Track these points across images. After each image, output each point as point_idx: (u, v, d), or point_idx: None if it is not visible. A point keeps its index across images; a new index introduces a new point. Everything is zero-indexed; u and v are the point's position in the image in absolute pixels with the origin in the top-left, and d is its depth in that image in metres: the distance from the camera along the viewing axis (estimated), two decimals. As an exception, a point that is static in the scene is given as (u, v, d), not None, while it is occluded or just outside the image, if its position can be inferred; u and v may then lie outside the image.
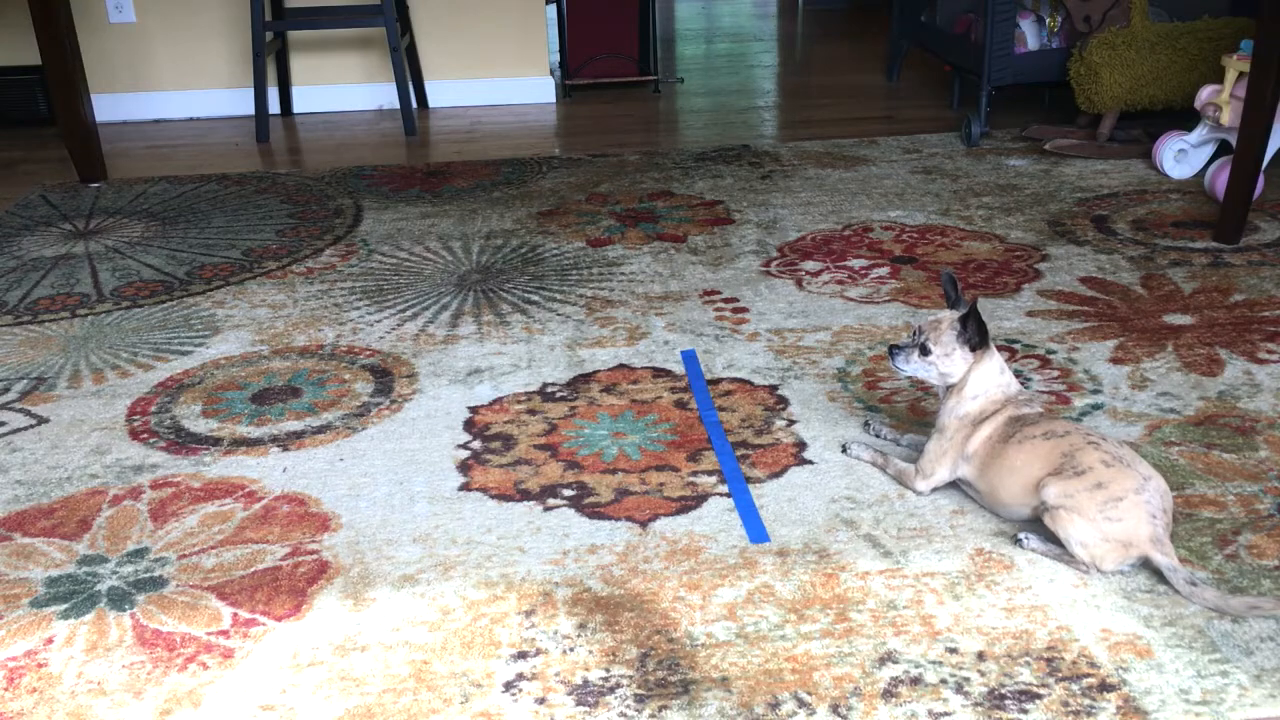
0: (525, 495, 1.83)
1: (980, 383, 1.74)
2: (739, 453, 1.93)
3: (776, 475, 1.86)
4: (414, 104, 4.18)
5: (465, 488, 1.86)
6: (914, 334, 1.76)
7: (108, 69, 4.25)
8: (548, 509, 1.79)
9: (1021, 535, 1.65)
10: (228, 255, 2.90)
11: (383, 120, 4.25)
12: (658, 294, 2.58)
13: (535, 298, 2.58)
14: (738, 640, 1.50)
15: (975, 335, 1.71)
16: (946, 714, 1.36)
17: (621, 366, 2.25)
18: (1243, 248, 2.70)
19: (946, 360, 1.73)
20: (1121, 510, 1.56)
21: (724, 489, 1.83)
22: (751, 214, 3.06)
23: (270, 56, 4.17)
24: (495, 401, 2.13)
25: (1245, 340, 2.24)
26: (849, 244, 2.82)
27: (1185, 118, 3.24)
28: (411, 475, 1.90)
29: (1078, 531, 1.58)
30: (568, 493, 1.83)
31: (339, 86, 4.36)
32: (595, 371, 2.23)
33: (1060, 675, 1.42)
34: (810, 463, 1.89)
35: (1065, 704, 1.37)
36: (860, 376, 2.17)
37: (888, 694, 1.40)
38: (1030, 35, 3.62)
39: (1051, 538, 1.63)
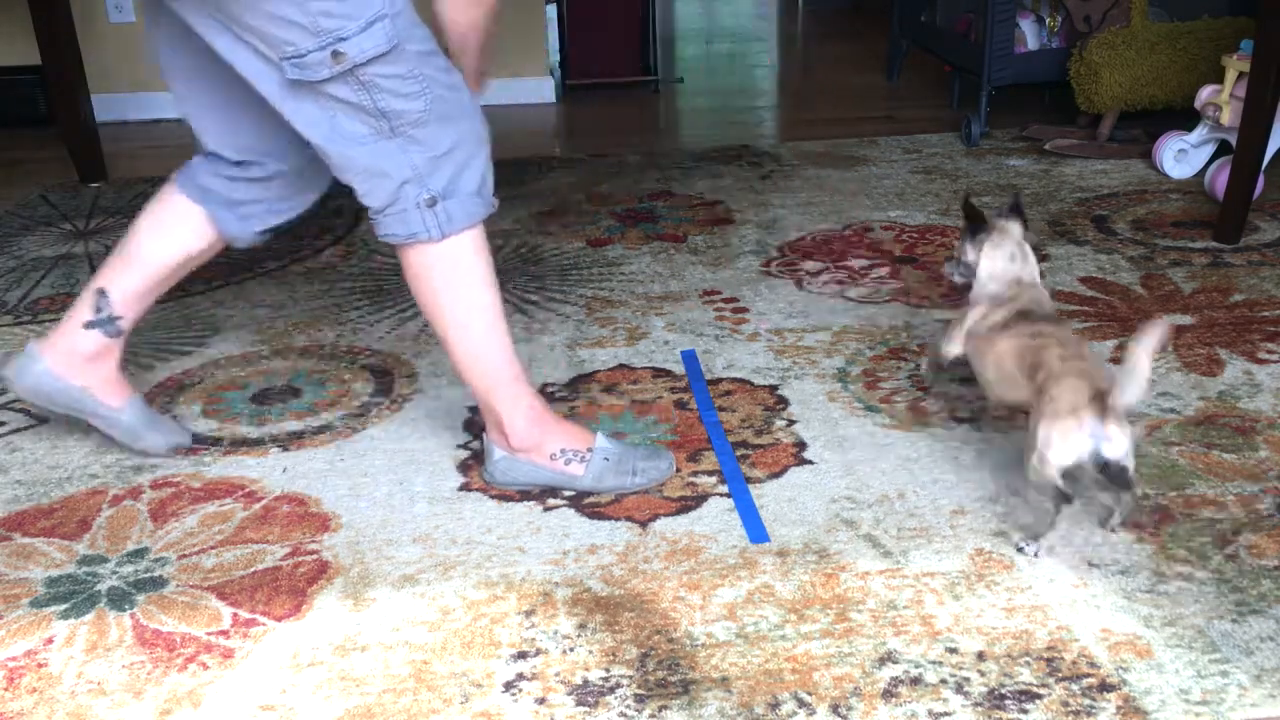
0: (525, 495, 1.83)
1: (989, 266, 1.90)
2: (739, 453, 1.93)
3: (776, 475, 1.86)
4: (414, 104, 4.18)
5: (465, 488, 1.86)
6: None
7: (108, 69, 4.25)
8: (548, 509, 1.80)
9: (1023, 544, 1.65)
10: (228, 255, 2.89)
11: (383, 120, 4.24)
12: (658, 294, 2.58)
13: (535, 298, 2.58)
14: (738, 640, 1.50)
15: (967, 221, 1.92)
16: (946, 714, 1.36)
17: (621, 366, 2.25)
18: (1243, 248, 2.70)
19: (970, 255, 1.92)
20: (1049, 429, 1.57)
21: (724, 489, 1.83)
22: (751, 214, 3.06)
23: (270, 56, 4.17)
24: (495, 401, 2.13)
25: (1245, 340, 2.24)
26: (849, 244, 2.82)
27: (1185, 118, 3.24)
28: (411, 475, 1.90)
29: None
30: (568, 493, 1.83)
31: (339, 86, 4.36)
32: (595, 371, 2.23)
33: (1060, 675, 1.42)
34: (810, 463, 1.89)
35: (1065, 704, 1.37)
36: (860, 376, 2.17)
37: (888, 694, 1.40)
38: (1030, 35, 3.62)
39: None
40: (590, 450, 1.82)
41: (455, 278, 1.70)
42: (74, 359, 1.87)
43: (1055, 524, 1.62)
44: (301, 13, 1.49)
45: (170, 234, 1.86)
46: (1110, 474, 1.56)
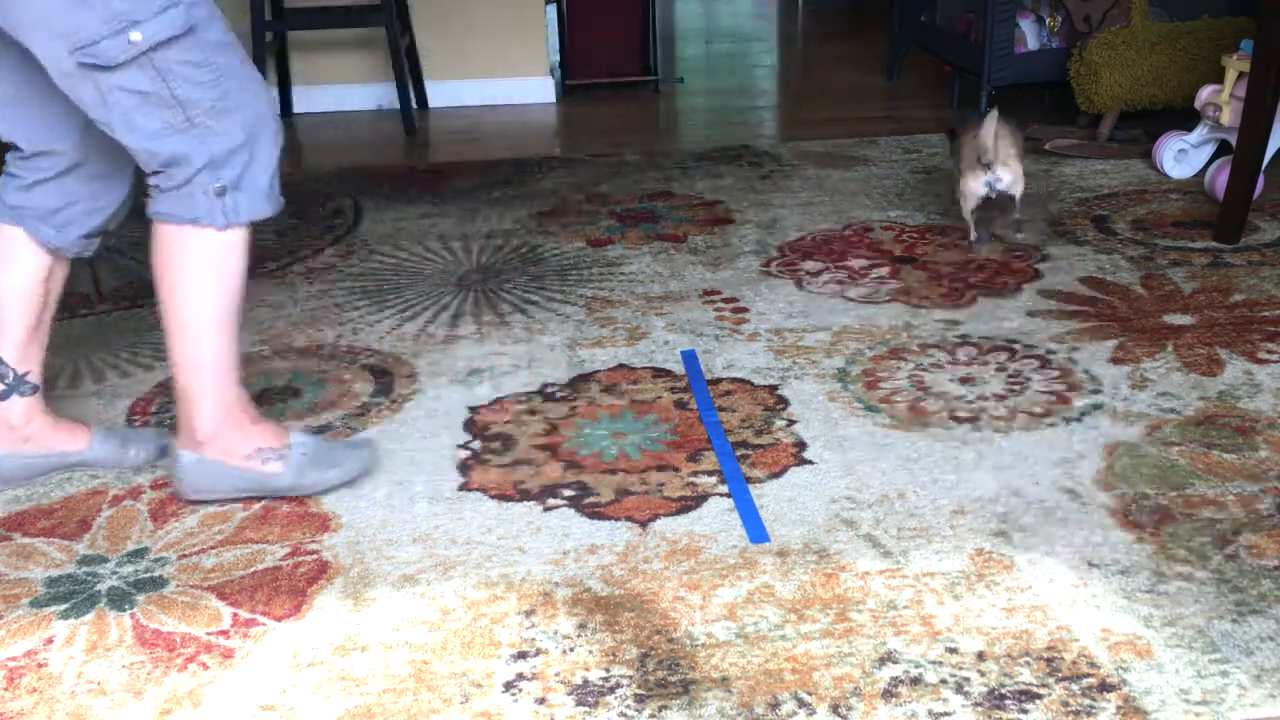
0: (525, 495, 1.83)
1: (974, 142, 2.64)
2: (739, 453, 1.93)
3: (776, 475, 1.86)
4: (414, 104, 4.18)
5: (465, 488, 1.86)
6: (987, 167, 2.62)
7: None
8: (548, 509, 1.80)
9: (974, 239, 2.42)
10: (228, 255, 2.90)
11: (383, 120, 4.25)
12: (658, 294, 2.58)
13: (535, 298, 2.58)
14: (738, 640, 1.50)
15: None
16: (946, 714, 1.36)
17: (621, 366, 2.25)
18: (1243, 248, 2.70)
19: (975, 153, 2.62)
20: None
21: (724, 489, 1.83)
22: (751, 214, 3.06)
23: (270, 56, 4.18)
24: (495, 401, 2.13)
25: (1245, 340, 2.24)
26: (849, 244, 2.82)
27: (1185, 118, 3.24)
28: (411, 475, 1.90)
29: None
30: (568, 493, 1.83)
31: (339, 86, 4.36)
32: (595, 371, 2.23)
33: (1060, 675, 1.42)
34: (810, 463, 1.89)
35: (1065, 704, 1.37)
36: (860, 376, 2.17)
37: (888, 694, 1.40)
38: (1030, 35, 3.62)
39: None
40: (287, 447, 1.81)
41: (213, 267, 1.69)
42: (13, 433, 1.86)
43: (974, 225, 2.71)
44: None
45: (6, 266, 1.81)
46: (1001, 197, 2.66)
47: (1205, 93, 3.00)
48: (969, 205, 2.65)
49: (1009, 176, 2.61)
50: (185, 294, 1.71)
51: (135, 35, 1.54)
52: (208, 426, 1.76)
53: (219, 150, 1.63)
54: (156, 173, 1.66)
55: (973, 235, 2.71)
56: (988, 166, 2.57)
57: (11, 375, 1.83)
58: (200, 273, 1.70)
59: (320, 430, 2.05)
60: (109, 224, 1.86)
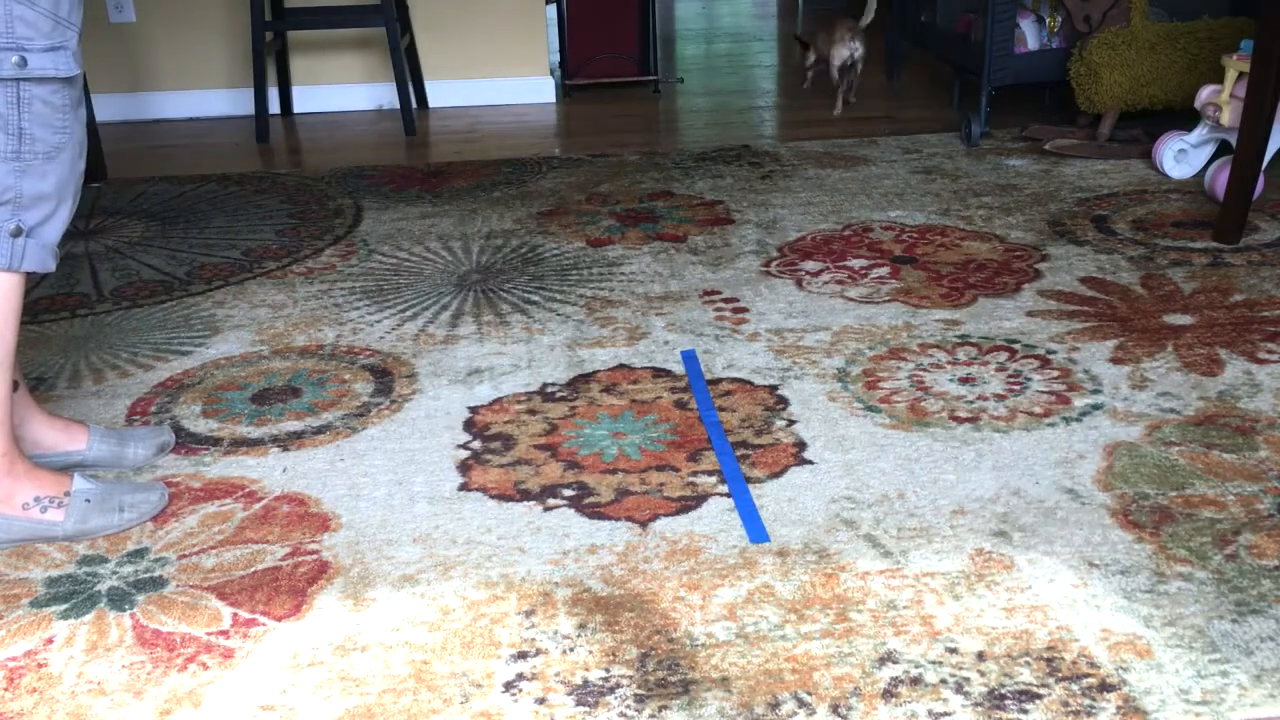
0: (525, 495, 1.83)
1: (829, 48, 4.16)
2: (739, 453, 1.93)
3: (776, 475, 1.86)
4: (414, 104, 4.18)
5: (465, 488, 1.86)
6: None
7: (108, 69, 4.25)
8: (548, 509, 1.80)
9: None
10: (228, 255, 2.90)
11: (383, 120, 4.25)
12: (658, 294, 2.58)
13: (535, 298, 2.58)
14: (738, 640, 1.50)
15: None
16: (946, 714, 1.36)
17: (621, 366, 2.25)
18: (1243, 248, 2.70)
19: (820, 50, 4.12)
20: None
21: (724, 489, 1.83)
22: (751, 214, 3.06)
23: (270, 56, 4.17)
24: (495, 401, 2.13)
25: (1245, 340, 2.24)
26: (849, 244, 2.82)
27: (1185, 118, 3.24)
28: (411, 475, 1.90)
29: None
30: (568, 493, 1.83)
31: (339, 86, 4.36)
32: (595, 371, 2.23)
33: (1060, 675, 1.42)
34: (810, 463, 1.89)
35: (1065, 704, 1.37)
36: (860, 376, 2.17)
37: (888, 694, 1.40)
38: (1030, 35, 3.62)
39: None
40: (67, 494, 1.75)
41: None
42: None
43: (839, 87, 4.09)
44: (3, 9, 1.53)
45: None
46: (855, 64, 4.02)
47: (1205, 93, 3.00)
48: (838, 65, 4.05)
49: (862, 47, 4.03)
50: None
51: (18, 60, 1.56)
52: None
53: (28, 191, 1.63)
54: None
55: (839, 105, 4.13)
56: (850, 39, 4.02)
57: None
58: None
59: (320, 430, 2.05)
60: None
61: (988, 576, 1.60)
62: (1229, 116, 2.91)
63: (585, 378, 2.21)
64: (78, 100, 1.68)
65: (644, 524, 1.75)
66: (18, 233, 1.64)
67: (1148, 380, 2.11)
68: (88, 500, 1.76)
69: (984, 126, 3.57)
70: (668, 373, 2.22)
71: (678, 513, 1.78)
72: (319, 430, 2.05)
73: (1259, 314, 2.36)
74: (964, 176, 3.28)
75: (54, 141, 1.63)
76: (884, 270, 2.65)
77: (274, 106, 4.32)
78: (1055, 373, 2.15)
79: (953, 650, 1.46)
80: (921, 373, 2.17)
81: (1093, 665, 1.43)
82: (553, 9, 4.54)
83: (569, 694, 1.42)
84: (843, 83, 4.13)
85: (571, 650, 1.49)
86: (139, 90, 4.32)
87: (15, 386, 1.84)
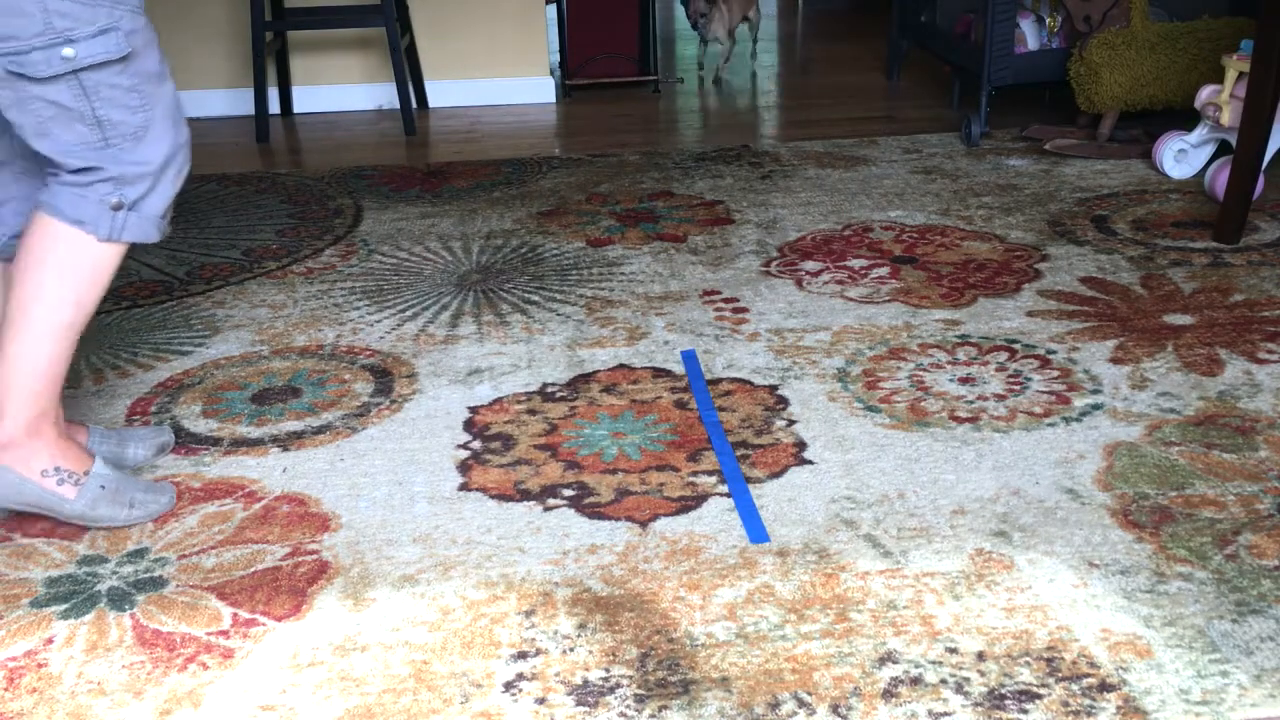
0: (525, 495, 1.83)
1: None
2: (739, 453, 1.93)
3: (776, 475, 1.86)
4: (414, 104, 4.18)
5: (465, 488, 1.86)
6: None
7: (108, 69, 4.25)
8: (548, 509, 1.80)
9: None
10: (228, 255, 2.90)
11: (383, 120, 4.25)
12: (658, 294, 2.58)
13: (535, 298, 2.58)
14: (738, 640, 1.50)
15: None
16: (946, 714, 1.36)
17: (621, 366, 2.25)
18: (1243, 248, 2.70)
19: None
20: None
21: (724, 489, 1.83)
22: (751, 214, 3.06)
23: (270, 56, 4.17)
24: (495, 401, 2.13)
25: (1245, 340, 2.24)
26: (849, 244, 2.82)
27: (1185, 118, 3.24)
28: (411, 475, 1.90)
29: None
30: (568, 493, 1.83)
31: (339, 86, 4.36)
32: (595, 371, 2.23)
33: (1060, 675, 1.42)
34: (810, 463, 1.89)
35: (1065, 704, 1.37)
36: (860, 376, 2.17)
37: (888, 694, 1.40)
38: (1030, 35, 3.62)
39: None
40: (86, 474, 1.75)
41: (81, 274, 1.67)
42: None
43: (729, 53, 4.77)
44: (36, 5, 1.51)
45: None
46: (717, 41, 4.69)
47: (1205, 93, 3.00)
48: (723, 34, 4.64)
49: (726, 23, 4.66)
50: (43, 292, 1.66)
51: (68, 51, 1.54)
52: (9, 430, 1.69)
53: (129, 170, 1.63)
54: (53, 163, 1.64)
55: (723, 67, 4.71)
56: (746, 18, 4.75)
57: None
58: (66, 275, 1.66)
59: (320, 430, 2.05)
60: None
61: (988, 576, 1.60)
62: (1229, 116, 2.91)
63: (585, 378, 2.21)
64: (154, 74, 1.63)
65: (644, 524, 1.75)
66: (119, 206, 1.64)
67: (1148, 380, 2.11)
68: (102, 486, 1.76)
69: (984, 126, 3.57)
70: (668, 373, 2.22)
71: (678, 513, 1.78)
72: (319, 430, 2.05)
73: (1259, 314, 2.36)
74: (964, 176, 3.28)
75: (136, 121, 1.62)
76: (884, 270, 2.65)
77: (274, 106, 4.32)
78: (1055, 373, 2.15)
79: (953, 650, 1.46)
80: (921, 373, 2.17)
81: (1093, 665, 1.43)
82: (553, 9, 4.54)
83: (569, 694, 1.42)
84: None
85: (571, 650, 1.49)
86: (139, 90, 4.31)
87: None
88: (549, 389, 2.17)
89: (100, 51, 1.56)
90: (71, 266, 1.66)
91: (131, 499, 1.78)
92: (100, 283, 1.69)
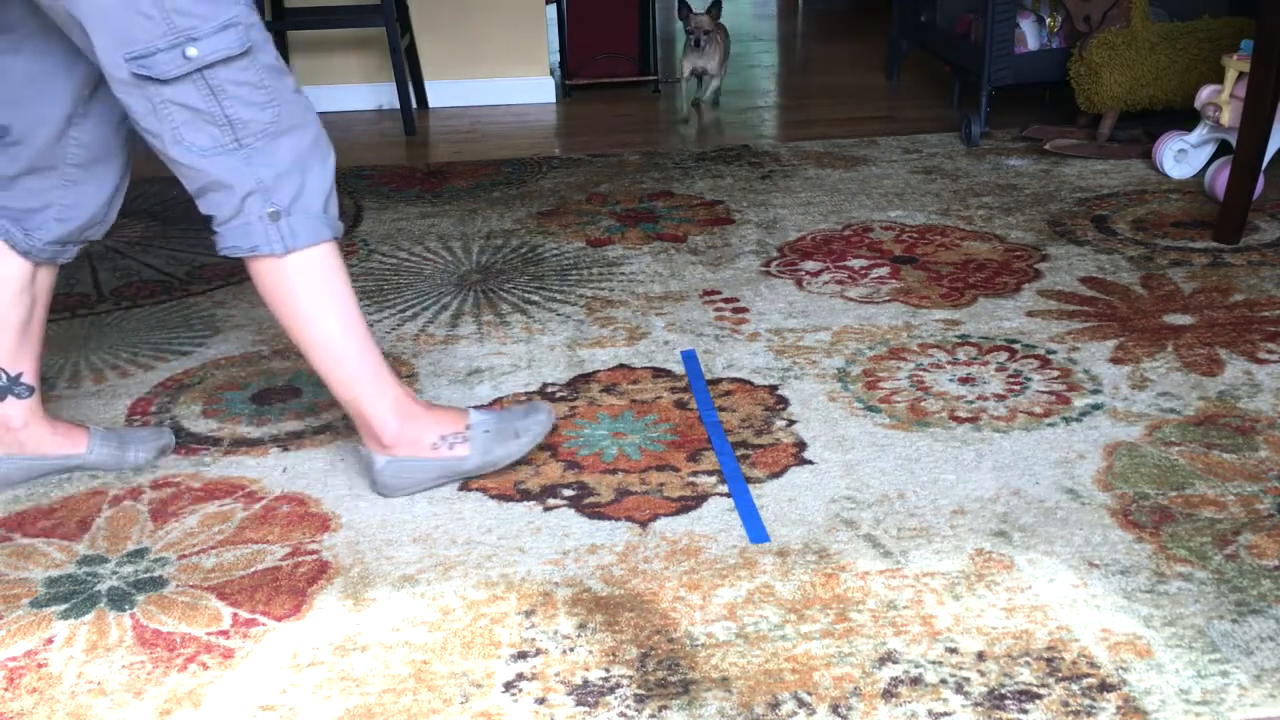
0: (525, 495, 1.83)
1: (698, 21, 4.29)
2: (739, 453, 1.93)
3: (776, 475, 1.86)
4: (414, 104, 4.18)
5: (465, 488, 1.86)
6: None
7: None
8: (548, 509, 1.80)
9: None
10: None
11: (383, 120, 4.25)
12: (658, 294, 2.58)
13: (535, 298, 2.58)
14: (738, 640, 1.50)
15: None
16: (946, 714, 1.36)
17: (621, 366, 2.25)
18: (1243, 248, 2.70)
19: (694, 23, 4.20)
20: None
21: (724, 489, 1.83)
22: (751, 214, 3.06)
23: (270, 56, 4.17)
24: (495, 401, 2.13)
25: (1245, 340, 2.24)
26: (849, 244, 2.82)
27: (1185, 118, 3.24)
28: (411, 475, 1.90)
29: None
30: (568, 493, 1.83)
31: (339, 86, 4.36)
32: (595, 371, 2.23)
33: (1060, 675, 1.42)
34: (810, 463, 1.89)
35: (1065, 704, 1.37)
36: (860, 376, 2.17)
37: (888, 694, 1.40)
38: (1030, 35, 3.62)
39: None
40: (468, 428, 1.82)
41: (304, 290, 1.68)
42: (11, 435, 1.85)
43: (687, 89, 4.35)
44: (156, 7, 1.50)
45: None
46: (705, 74, 4.18)
47: (1205, 93, 3.00)
48: (686, 72, 4.24)
49: (712, 62, 4.20)
50: (296, 319, 1.70)
51: (191, 51, 1.52)
52: (391, 429, 1.78)
53: (267, 175, 1.62)
54: (210, 216, 1.65)
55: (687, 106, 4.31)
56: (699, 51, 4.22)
57: (4, 378, 1.82)
58: (299, 297, 1.69)
59: (320, 430, 2.05)
60: (84, 233, 1.82)
61: (988, 576, 1.60)
62: (1229, 116, 2.91)
63: (585, 378, 2.21)
64: (275, 68, 1.61)
65: (644, 524, 1.75)
66: (276, 215, 1.63)
67: (1148, 380, 2.11)
68: (487, 431, 1.82)
69: (984, 126, 3.57)
70: (668, 373, 2.22)
71: (678, 513, 1.78)
72: (319, 430, 2.05)
73: (1259, 314, 2.36)
74: (964, 176, 3.28)
75: (265, 118, 1.60)
76: (884, 270, 2.65)
77: (274, 106, 4.31)
78: (1055, 373, 2.15)
79: (953, 650, 1.46)
80: (921, 373, 2.17)
81: (1093, 665, 1.43)
82: (553, 9, 4.53)
83: (569, 694, 1.42)
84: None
85: (571, 650, 1.49)
86: (139, 90, 4.31)
87: (30, 392, 1.84)
88: (549, 389, 2.17)
89: (223, 47, 1.54)
90: (287, 288, 1.68)
91: (515, 429, 1.84)
92: (330, 280, 1.70)
